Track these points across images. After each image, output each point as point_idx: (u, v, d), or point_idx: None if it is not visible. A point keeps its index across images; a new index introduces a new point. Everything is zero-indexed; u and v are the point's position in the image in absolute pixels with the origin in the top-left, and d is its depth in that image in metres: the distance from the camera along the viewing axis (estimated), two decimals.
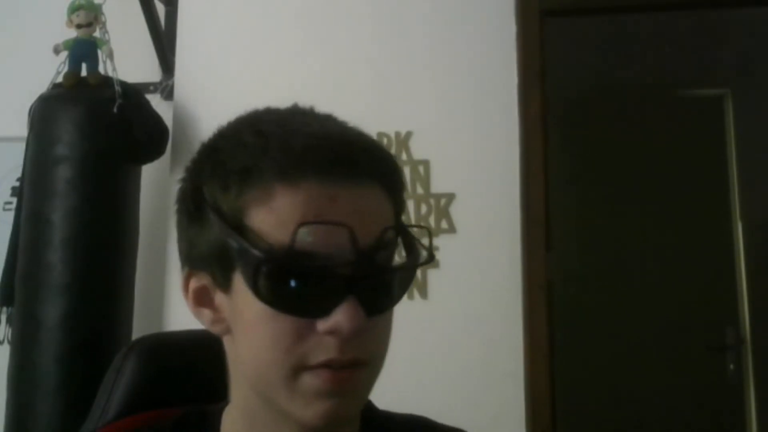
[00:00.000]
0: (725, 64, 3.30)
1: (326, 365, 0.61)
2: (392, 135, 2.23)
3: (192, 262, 0.68)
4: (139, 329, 2.09)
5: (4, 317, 2.06)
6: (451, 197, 2.19)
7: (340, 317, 0.60)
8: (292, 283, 0.60)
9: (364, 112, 2.19)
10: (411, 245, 0.68)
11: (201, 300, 0.68)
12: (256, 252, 0.60)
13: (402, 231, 0.68)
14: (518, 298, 2.12)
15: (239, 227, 0.62)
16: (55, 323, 1.92)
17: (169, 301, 2.25)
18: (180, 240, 0.70)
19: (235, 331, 0.66)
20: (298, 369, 0.62)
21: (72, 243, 1.96)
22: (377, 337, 0.65)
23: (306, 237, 0.59)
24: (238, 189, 0.62)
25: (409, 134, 2.23)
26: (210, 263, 0.65)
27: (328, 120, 0.69)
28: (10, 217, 2.18)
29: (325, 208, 0.60)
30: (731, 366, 3.04)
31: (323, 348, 0.61)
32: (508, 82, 2.23)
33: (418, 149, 2.22)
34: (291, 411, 0.63)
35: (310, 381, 0.62)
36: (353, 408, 0.66)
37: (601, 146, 3.20)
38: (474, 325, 2.11)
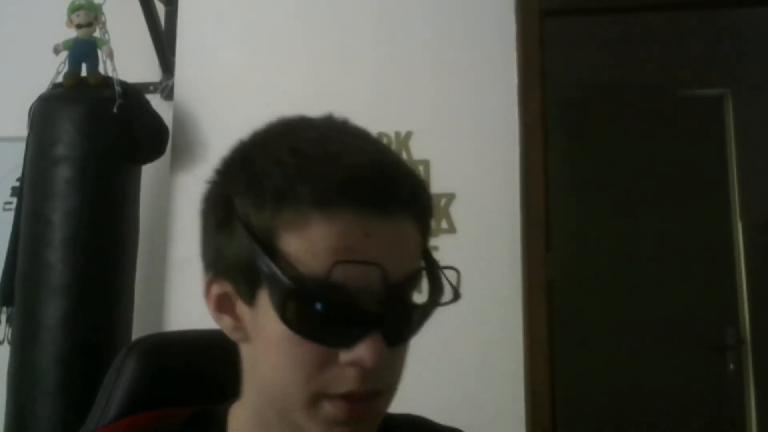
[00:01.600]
0: (725, 64, 3.30)
1: (347, 396, 0.62)
2: (392, 135, 2.23)
3: (217, 269, 0.67)
4: (139, 329, 2.09)
5: (4, 317, 2.06)
6: (451, 197, 2.19)
7: (363, 352, 0.60)
8: (320, 314, 0.60)
9: (364, 112, 2.19)
10: (436, 279, 0.68)
11: (222, 306, 0.68)
12: (286, 280, 0.60)
13: (428, 263, 0.68)
14: (518, 298, 2.12)
15: (270, 248, 0.62)
16: (55, 323, 1.92)
17: (169, 301, 2.24)
18: (205, 244, 0.69)
19: (255, 344, 0.66)
20: (318, 396, 0.62)
21: (72, 243, 1.96)
22: (396, 367, 0.66)
23: (339, 272, 0.59)
24: (273, 210, 0.61)
25: (409, 134, 2.23)
26: (235, 275, 0.65)
27: (366, 142, 0.68)
28: (10, 217, 2.18)
29: (359, 243, 0.60)
30: (731, 366, 3.03)
31: (344, 379, 0.62)
32: (508, 82, 2.23)
33: (418, 149, 2.22)
34: (309, 430, 0.65)
35: (329, 409, 0.63)
36: (370, 431, 0.69)
37: (601, 146, 3.20)
38: (474, 325, 2.11)
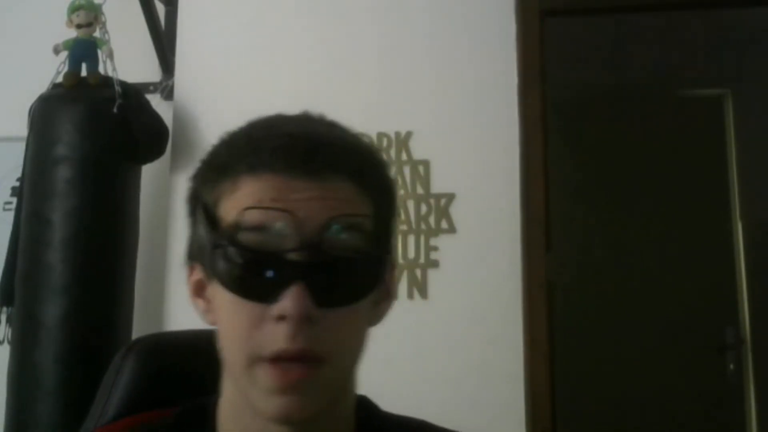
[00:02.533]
0: (725, 64, 3.30)
1: (277, 358, 0.62)
2: (392, 135, 2.23)
3: (191, 256, 0.71)
4: (139, 329, 2.09)
5: (4, 317, 2.06)
6: (451, 197, 2.19)
7: (285, 301, 0.61)
8: (242, 265, 0.63)
9: (365, 112, 2.21)
10: (379, 241, 0.67)
11: (198, 291, 0.71)
12: (211, 234, 0.65)
13: (378, 227, 0.67)
14: (518, 298, 2.11)
15: (211, 218, 0.66)
16: (55, 323, 1.92)
17: (169, 301, 2.24)
18: (188, 238, 0.73)
19: (216, 320, 0.69)
20: (253, 359, 0.63)
21: (72, 243, 1.96)
22: (336, 332, 0.64)
23: (253, 219, 0.62)
24: (214, 182, 0.67)
25: (409, 134, 2.23)
26: (200, 256, 0.68)
27: (319, 124, 0.71)
28: (10, 217, 2.18)
29: (281, 198, 0.63)
30: (731, 366, 3.03)
31: (275, 336, 0.62)
32: (508, 82, 2.22)
33: (418, 149, 2.22)
34: (253, 402, 0.64)
35: (262, 375, 0.62)
36: (311, 406, 0.64)
37: (601, 146, 3.20)
38: (474, 325, 2.11)
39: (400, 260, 2.15)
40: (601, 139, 3.19)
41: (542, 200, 2.19)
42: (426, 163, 2.21)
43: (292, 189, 0.63)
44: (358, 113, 2.27)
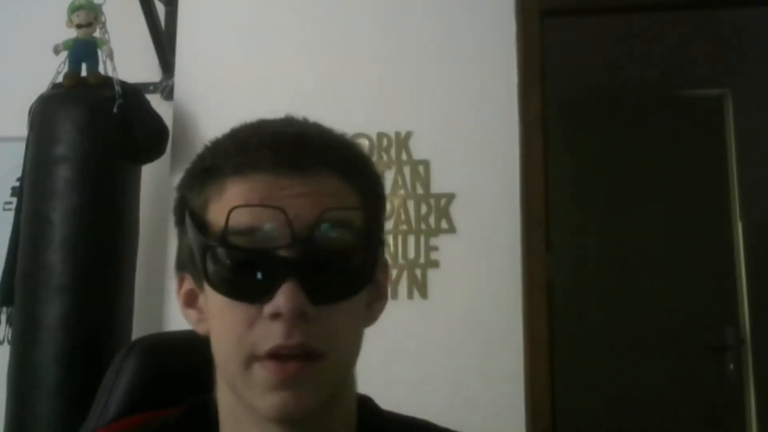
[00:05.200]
0: (725, 64, 3.30)
1: (275, 355, 0.61)
2: (392, 135, 2.23)
3: (180, 265, 0.71)
4: (139, 329, 2.08)
5: (4, 317, 2.06)
6: (451, 197, 2.19)
7: (279, 298, 0.61)
8: (233, 266, 0.63)
9: (365, 112, 2.21)
10: (370, 235, 0.67)
11: (189, 302, 0.71)
12: (201, 238, 0.64)
13: (368, 220, 0.67)
14: (518, 298, 2.11)
15: (201, 222, 0.66)
16: (55, 323, 1.92)
17: (169, 301, 2.24)
18: (177, 248, 0.74)
19: (210, 328, 0.68)
20: (250, 359, 0.63)
21: (72, 243, 1.96)
22: (331, 328, 0.63)
23: (243, 220, 0.62)
24: (201, 187, 0.67)
25: (409, 134, 2.23)
26: (189, 265, 0.68)
27: (302, 124, 0.71)
28: (10, 217, 2.18)
29: (269, 196, 0.63)
30: (731, 366, 3.03)
31: (270, 334, 0.61)
32: (508, 82, 2.22)
33: (418, 149, 2.22)
34: (251, 403, 0.64)
35: (259, 372, 0.62)
36: (309, 402, 0.63)
37: (601, 146, 3.20)
38: (474, 325, 2.11)
39: (400, 260, 2.15)
40: (601, 139, 3.19)
41: (542, 200, 2.19)
42: (426, 163, 2.21)
43: (280, 186, 0.63)
44: (358, 113, 2.27)
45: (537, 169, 2.20)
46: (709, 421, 3.01)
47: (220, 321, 0.65)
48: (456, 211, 2.18)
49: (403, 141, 2.23)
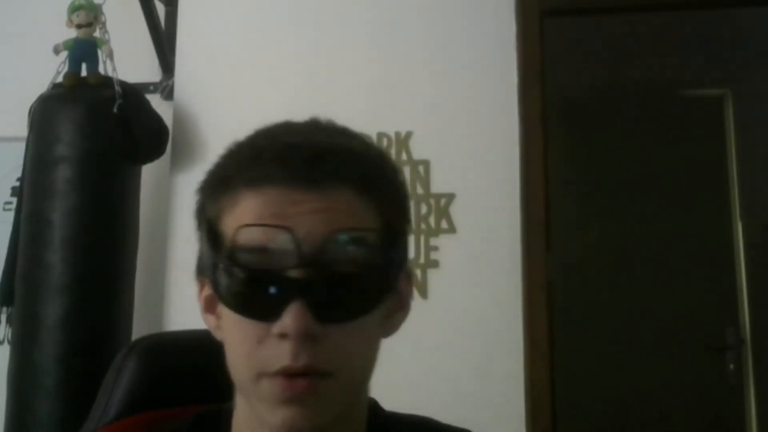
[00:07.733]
0: (725, 64, 3.30)
1: (282, 373, 0.61)
2: (392, 135, 2.23)
3: (200, 271, 0.70)
4: (139, 329, 2.08)
5: (4, 317, 2.06)
6: (451, 197, 2.19)
7: (287, 319, 0.60)
8: (243, 283, 0.62)
9: (364, 112, 2.21)
10: (386, 253, 0.65)
11: (208, 307, 0.70)
12: (212, 252, 0.64)
13: (386, 238, 0.65)
14: (518, 298, 2.11)
15: (214, 234, 0.65)
16: (55, 323, 1.92)
17: (169, 301, 2.24)
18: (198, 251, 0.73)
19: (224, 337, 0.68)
20: (259, 375, 0.62)
21: (72, 243, 1.96)
22: (341, 347, 0.62)
23: (252, 238, 0.61)
24: (216, 197, 0.66)
25: (409, 134, 2.23)
26: (207, 271, 0.67)
27: (324, 131, 0.68)
28: (10, 217, 2.18)
29: (283, 212, 0.62)
30: (731, 366, 3.03)
31: (279, 354, 0.61)
32: (508, 82, 2.23)
33: (418, 149, 2.22)
34: (261, 416, 0.64)
35: (268, 388, 0.62)
36: (317, 418, 0.63)
37: (601, 146, 3.20)
38: (474, 325, 2.11)
39: None
40: (601, 139, 3.19)
41: (542, 200, 2.19)
42: (426, 163, 2.21)
43: (292, 202, 0.62)
44: (358, 113, 2.26)
45: (537, 169, 2.20)
46: (709, 421, 3.01)
47: (232, 335, 0.65)
48: (456, 211, 2.18)
49: (403, 141, 2.23)
